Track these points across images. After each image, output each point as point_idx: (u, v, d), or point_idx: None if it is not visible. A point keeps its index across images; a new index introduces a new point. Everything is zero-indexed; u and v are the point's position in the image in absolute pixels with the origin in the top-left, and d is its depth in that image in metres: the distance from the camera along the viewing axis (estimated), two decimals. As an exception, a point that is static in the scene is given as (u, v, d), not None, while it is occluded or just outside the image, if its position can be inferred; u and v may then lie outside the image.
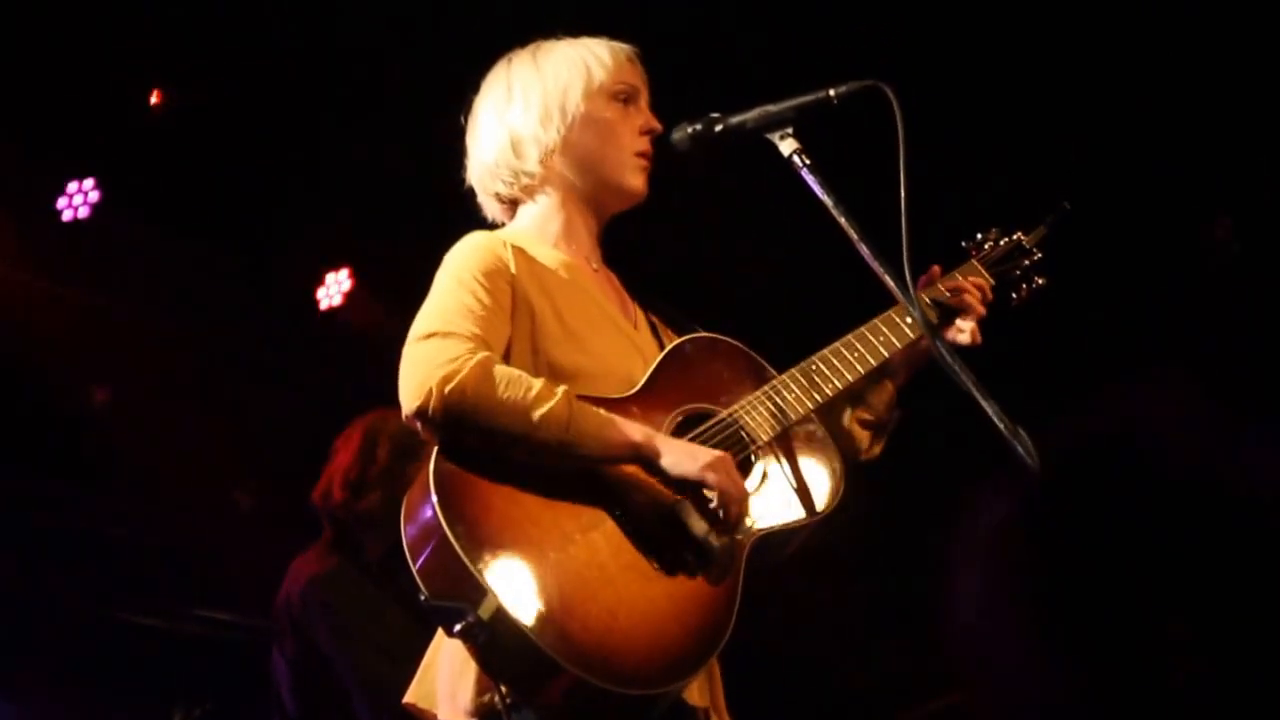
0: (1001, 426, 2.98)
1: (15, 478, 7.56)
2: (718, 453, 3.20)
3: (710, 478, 3.15)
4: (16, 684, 7.07)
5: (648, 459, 3.16)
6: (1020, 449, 2.96)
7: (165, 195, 7.77)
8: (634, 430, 3.17)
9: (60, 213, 7.58)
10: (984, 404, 3.01)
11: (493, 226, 3.62)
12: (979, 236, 3.89)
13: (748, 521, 3.24)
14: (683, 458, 3.17)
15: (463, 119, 3.63)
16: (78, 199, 7.57)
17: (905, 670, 7.31)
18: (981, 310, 3.66)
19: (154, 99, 7.66)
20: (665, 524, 3.15)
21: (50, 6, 7.00)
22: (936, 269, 3.62)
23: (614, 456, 3.15)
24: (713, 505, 3.15)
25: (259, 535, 8.02)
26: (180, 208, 7.85)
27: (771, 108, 3.37)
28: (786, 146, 3.34)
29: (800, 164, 3.32)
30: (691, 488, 3.17)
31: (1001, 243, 3.87)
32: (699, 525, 3.15)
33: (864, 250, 3.24)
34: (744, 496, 3.19)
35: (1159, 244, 6.42)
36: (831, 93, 3.33)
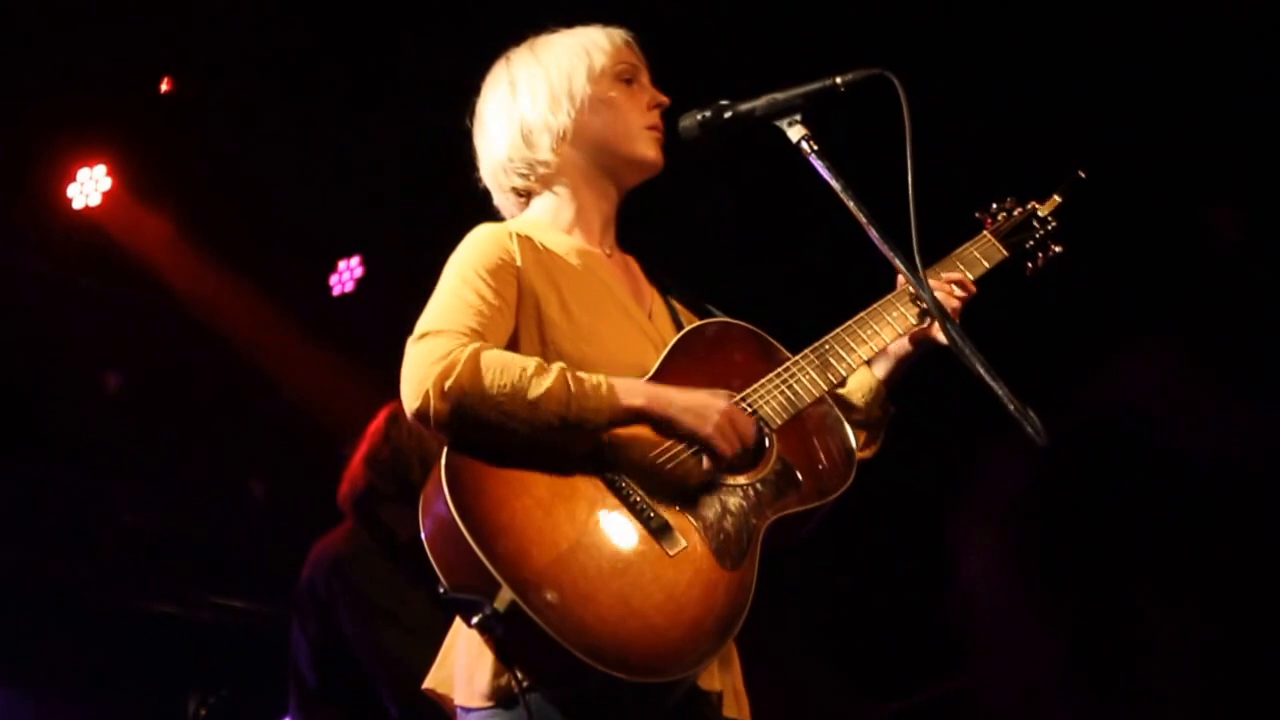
0: (1011, 408, 2.98)
1: (29, 465, 7.59)
2: (721, 405, 3.20)
3: (718, 443, 3.17)
4: (34, 672, 7.10)
5: (656, 420, 3.17)
6: (1030, 429, 2.96)
7: (177, 182, 7.79)
8: (636, 391, 3.18)
9: (73, 200, 7.59)
10: (993, 385, 3.00)
11: (491, 210, 3.62)
12: (993, 206, 3.85)
13: (763, 505, 3.25)
14: (687, 414, 3.17)
15: (468, 121, 3.63)
16: (89, 186, 7.58)
17: (906, 655, 7.33)
18: (956, 305, 3.59)
19: (165, 86, 7.67)
20: (679, 507, 3.16)
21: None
22: (902, 279, 3.53)
23: (621, 420, 3.15)
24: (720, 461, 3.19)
25: (275, 523, 8.05)
26: (192, 194, 7.87)
27: (779, 95, 3.37)
28: (795, 133, 3.34)
29: (808, 150, 3.32)
30: (701, 445, 3.19)
31: (1015, 213, 3.84)
32: (713, 512, 3.17)
33: (873, 235, 3.24)
34: (748, 449, 3.22)
35: (1158, 226, 6.43)
36: (838, 80, 3.32)
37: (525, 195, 3.58)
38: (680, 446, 3.22)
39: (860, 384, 3.63)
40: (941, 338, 3.52)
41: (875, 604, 7.63)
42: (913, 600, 7.11)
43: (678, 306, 3.64)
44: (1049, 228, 3.83)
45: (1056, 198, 3.87)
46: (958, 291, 3.60)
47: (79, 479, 7.78)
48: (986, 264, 3.73)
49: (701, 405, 3.20)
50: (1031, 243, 3.82)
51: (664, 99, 3.55)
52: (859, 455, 3.52)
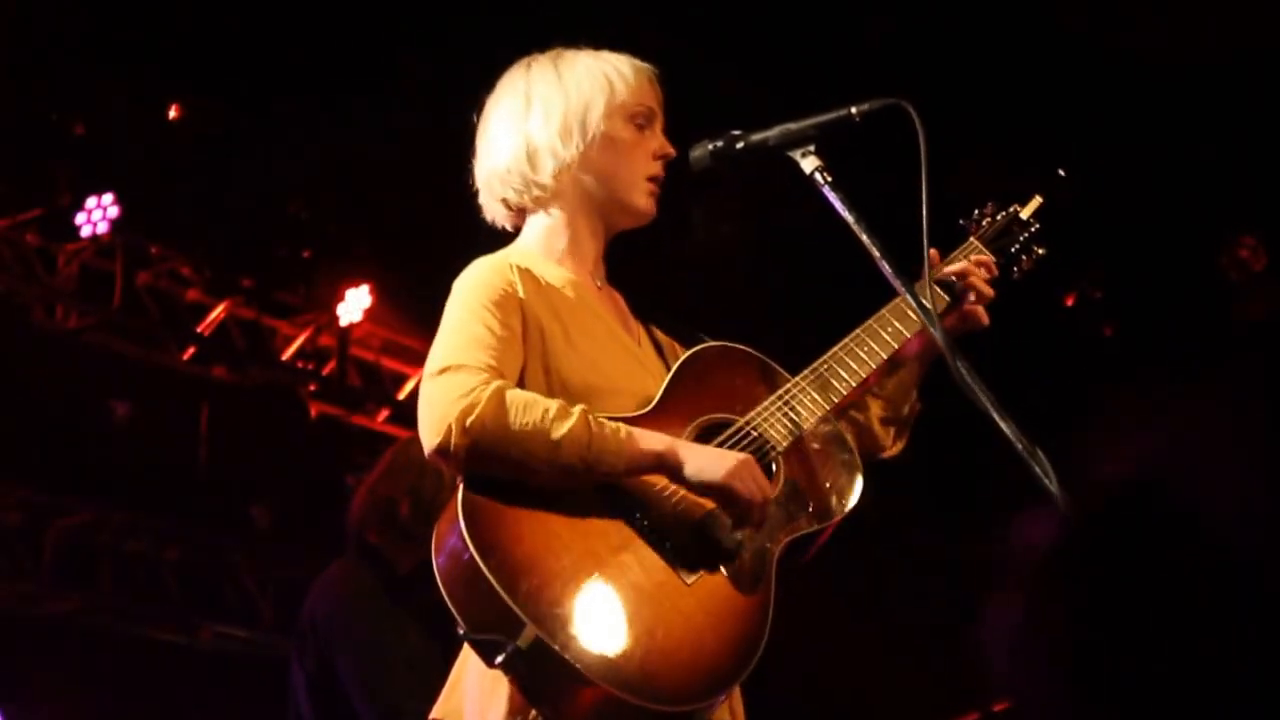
0: (1019, 447, 2.92)
1: (33, 492, 7.57)
2: (740, 456, 3.18)
3: (737, 486, 3.13)
4: (34, 701, 7.07)
5: (672, 469, 3.15)
6: (1038, 470, 2.90)
7: (185, 211, 7.80)
8: (655, 440, 3.16)
9: (80, 228, 7.59)
10: (1002, 424, 2.95)
11: (498, 239, 3.59)
12: (976, 213, 3.80)
13: (775, 528, 3.23)
14: (706, 465, 3.15)
15: (475, 116, 3.58)
16: (96, 214, 7.58)
17: (925, 691, 7.30)
18: (989, 292, 3.59)
19: (173, 114, 7.68)
20: (695, 538, 3.15)
21: (68, 22, 7.03)
22: (935, 252, 3.49)
23: (638, 469, 3.14)
24: (739, 512, 3.15)
25: (276, 551, 8.03)
26: (199, 223, 7.88)
27: (793, 125, 3.33)
28: (808, 164, 3.31)
29: (822, 181, 3.29)
30: (717, 494, 3.15)
31: (998, 217, 3.78)
32: (729, 539, 3.15)
33: (886, 269, 3.22)
34: (768, 501, 3.18)
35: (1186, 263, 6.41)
36: (853, 110, 3.29)
37: (515, 210, 3.55)
38: (692, 489, 3.19)
39: (891, 380, 3.62)
40: (984, 320, 3.53)
41: (889, 645, 7.62)
42: (927, 643, 7.09)
43: (661, 338, 3.63)
44: (1032, 230, 3.79)
45: (1037, 199, 3.82)
46: (984, 274, 3.59)
47: (85, 507, 7.76)
48: None
49: (718, 454, 3.18)
50: (1016, 246, 3.77)
51: (671, 151, 3.51)
52: (889, 451, 3.57)
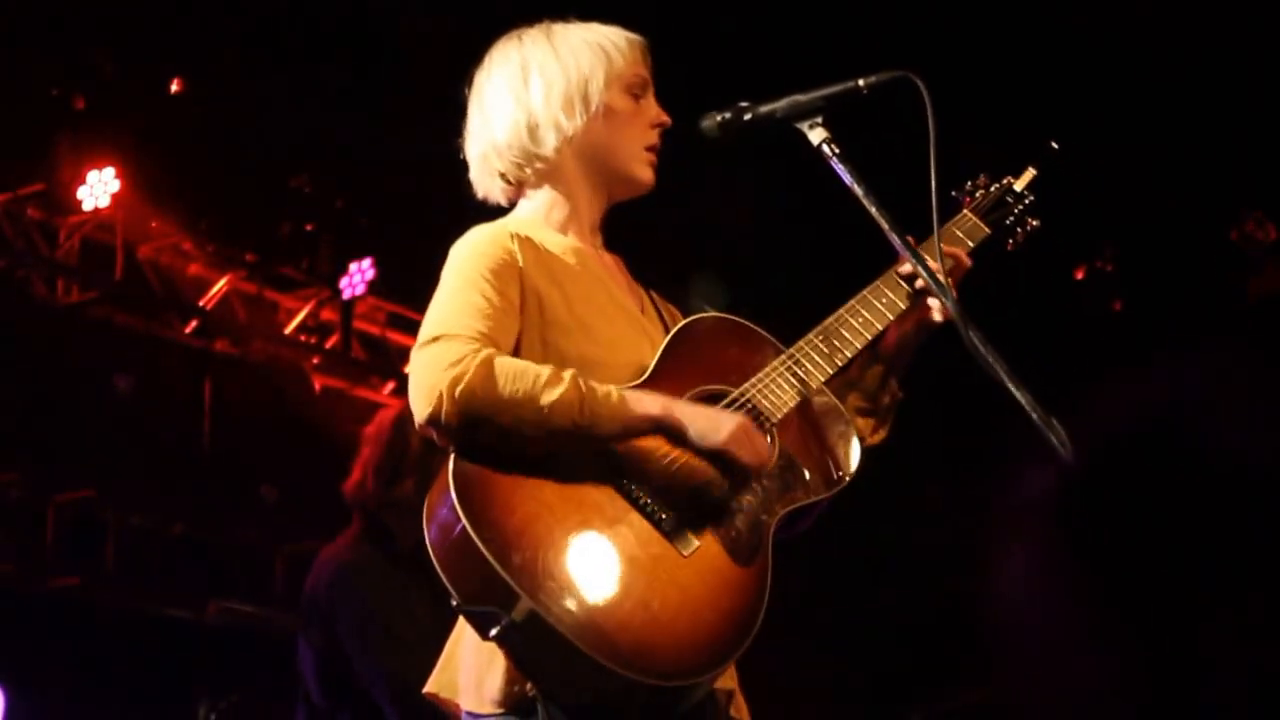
0: (1035, 416, 2.92)
1: (35, 467, 7.57)
2: (737, 418, 3.17)
3: (734, 450, 3.13)
4: (42, 677, 7.08)
5: (668, 431, 3.14)
6: (1054, 439, 2.89)
7: (186, 184, 7.79)
8: (650, 403, 3.14)
9: (81, 202, 7.58)
10: (1016, 393, 2.95)
11: (500, 209, 3.55)
12: (968, 185, 3.77)
13: (771, 499, 3.22)
14: (704, 428, 3.14)
15: (466, 89, 3.54)
16: (98, 188, 7.57)
17: (925, 663, 7.31)
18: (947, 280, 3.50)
19: (174, 87, 7.67)
20: (691, 507, 3.13)
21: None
22: (911, 239, 3.41)
23: (633, 432, 3.12)
24: (737, 475, 3.15)
25: (282, 525, 8.03)
26: (201, 197, 7.87)
27: (800, 97, 3.32)
28: (816, 136, 3.30)
29: (830, 153, 3.28)
30: (715, 457, 3.14)
31: (991, 189, 3.76)
32: (728, 505, 3.15)
33: (896, 242, 3.23)
34: (766, 463, 3.19)
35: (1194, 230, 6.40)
36: (861, 82, 3.28)
37: (513, 185, 3.51)
38: (689, 451, 3.18)
39: (868, 371, 3.58)
40: (938, 316, 3.46)
41: (899, 608, 7.61)
42: (938, 606, 7.08)
43: (660, 303, 3.61)
44: (1026, 202, 3.76)
45: (1031, 171, 3.79)
46: (948, 265, 3.51)
47: (89, 481, 7.75)
48: (970, 243, 3.66)
49: (715, 416, 3.18)
50: (1011, 218, 3.75)
51: (667, 119, 3.50)
52: (869, 441, 3.51)
